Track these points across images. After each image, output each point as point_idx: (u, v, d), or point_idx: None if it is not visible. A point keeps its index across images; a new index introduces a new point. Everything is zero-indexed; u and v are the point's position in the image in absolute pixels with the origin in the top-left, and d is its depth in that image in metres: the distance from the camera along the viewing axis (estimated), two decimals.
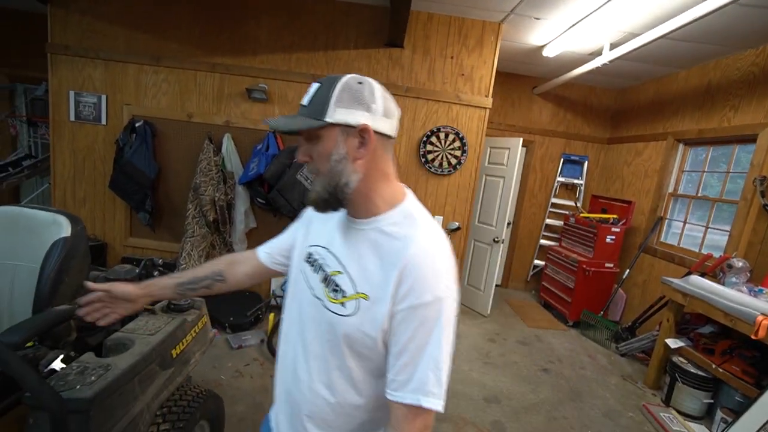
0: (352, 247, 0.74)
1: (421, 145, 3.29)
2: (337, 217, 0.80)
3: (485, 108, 3.30)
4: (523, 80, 4.60)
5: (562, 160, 4.76)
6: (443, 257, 0.68)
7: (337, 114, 0.66)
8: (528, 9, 2.86)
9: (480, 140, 3.34)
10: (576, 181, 4.74)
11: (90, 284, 0.97)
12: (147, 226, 3.34)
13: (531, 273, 5.00)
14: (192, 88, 3.27)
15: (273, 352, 2.80)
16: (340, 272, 0.73)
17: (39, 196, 4.50)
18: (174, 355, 1.56)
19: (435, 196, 3.41)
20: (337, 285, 0.73)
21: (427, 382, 0.64)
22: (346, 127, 0.67)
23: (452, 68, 3.25)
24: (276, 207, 2.99)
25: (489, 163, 4.07)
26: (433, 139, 3.28)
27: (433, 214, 3.41)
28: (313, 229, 0.85)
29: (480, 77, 3.27)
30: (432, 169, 3.33)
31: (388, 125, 0.70)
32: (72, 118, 3.34)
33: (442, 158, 3.31)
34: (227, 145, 3.16)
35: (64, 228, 1.37)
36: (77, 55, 3.25)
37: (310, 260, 0.81)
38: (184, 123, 3.27)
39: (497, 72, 3.30)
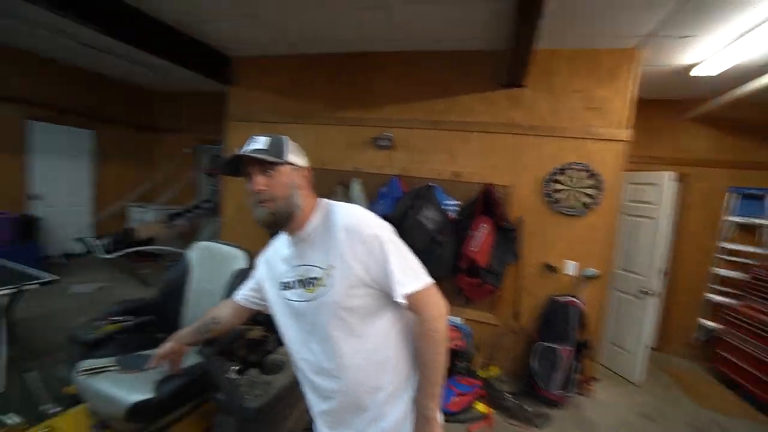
0: (303, 251, 0.99)
1: (546, 184, 3.11)
2: (281, 251, 1.07)
3: (622, 141, 2.98)
4: (668, 105, 4.03)
5: (733, 195, 3.90)
6: (362, 212, 0.98)
7: (290, 157, 0.99)
8: (671, 29, 2.56)
9: (618, 177, 3.00)
10: (759, 221, 3.76)
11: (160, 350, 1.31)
12: None
13: (699, 337, 4.03)
14: (326, 140, 3.76)
15: None
16: (307, 268, 0.97)
17: (213, 232, 5.59)
18: None
19: (567, 239, 3.11)
20: (309, 278, 0.96)
21: (412, 273, 0.93)
22: (296, 167, 1.00)
23: (580, 102, 3.07)
24: None
25: (632, 201, 3.56)
26: (561, 177, 3.07)
27: (565, 258, 3.11)
28: (273, 268, 1.09)
29: (614, 109, 3.00)
30: (562, 210, 3.09)
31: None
32: None
33: (572, 197, 3.05)
34: (355, 188, 3.50)
35: (241, 260, 1.69)
36: (243, 120, 4.10)
37: (286, 286, 1.02)
38: (320, 170, 3.75)
39: (635, 100, 2.99)
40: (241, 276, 1.64)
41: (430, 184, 3.22)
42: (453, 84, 3.37)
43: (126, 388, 1.34)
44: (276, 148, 0.98)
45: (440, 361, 0.93)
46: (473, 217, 3.09)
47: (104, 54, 4.32)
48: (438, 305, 0.94)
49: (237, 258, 1.69)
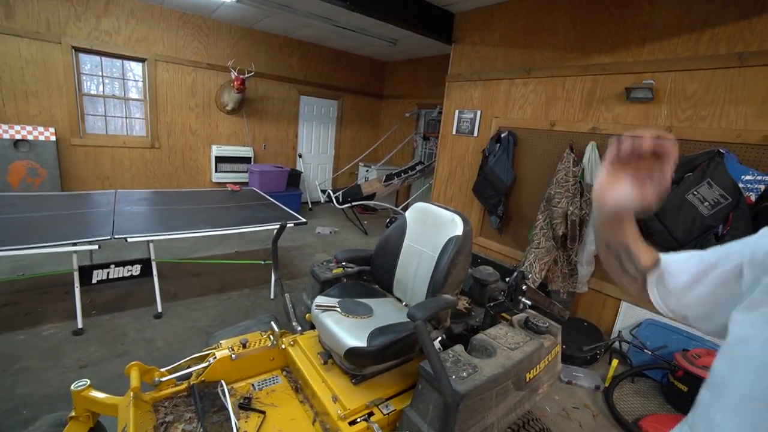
0: None
1: None
2: None
3: None
4: None
5: None
6: None
7: None
8: None
9: None
10: None
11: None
12: (495, 229, 3.59)
13: None
14: (558, 96, 3.15)
15: (611, 407, 2.27)
16: None
17: (422, 193, 5.90)
18: (527, 379, 1.44)
19: None
20: None
21: None
22: None
23: None
24: (648, 232, 2.36)
25: None
26: None
27: None
28: None
29: None
30: None
31: None
32: (454, 132, 4.07)
33: None
34: (590, 154, 2.82)
35: (458, 227, 1.53)
36: (465, 80, 3.90)
37: None
38: (546, 132, 3.21)
39: None
40: (456, 243, 1.50)
41: (719, 149, 2.23)
42: None
43: (345, 331, 1.44)
44: None
45: None
46: None
47: (349, 32, 4.93)
48: None
49: (454, 223, 1.55)
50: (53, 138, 4.28)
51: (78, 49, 4.45)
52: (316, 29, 5.16)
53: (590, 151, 2.82)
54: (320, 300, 1.64)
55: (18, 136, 4.05)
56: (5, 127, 4.04)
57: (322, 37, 5.67)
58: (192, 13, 4.95)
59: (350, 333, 1.42)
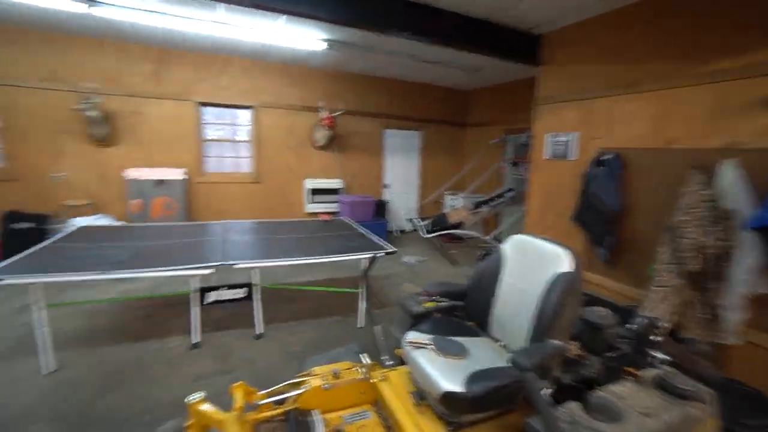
0: None
1: None
2: None
3: None
4: None
5: None
6: None
7: None
8: None
9: None
10: None
11: None
12: (604, 263, 3.17)
13: None
14: (673, 110, 2.74)
15: None
16: None
17: (513, 222, 5.56)
18: None
19: None
20: None
21: None
22: None
23: None
24: None
25: None
26: None
27: None
28: None
29: None
30: None
31: None
32: (546, 156, 3.79)
33: None
34: (727, 174, 2.35)
35: (566, 262, 1.36)
36: (556, 101, 3.66)
37: None
38: (660, 151, 2.80)
39: None
40: (566, 281, 1.32)
41: None
42: None
43: (440, 372, 1.34)
44: None
45: None
46: None
47: (429, 65, 5.05)
48: None
49: (559, 258, 1.38)
50: (183, 177, 5.07)
51: (201, 104, 5.31)
52: (399, 66, 5.39)
53: (727, 170, 2.36)
54: (412, 335, 1.58)
55: (159, 177, 4.90)
56: (152, 170, 4.93)
57: (404, 73, 5.90)
58: (291, 64, 5.58)
59: (445, 375, 1.32)
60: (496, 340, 1.65)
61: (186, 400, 1.53)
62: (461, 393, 1.26)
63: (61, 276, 2.31)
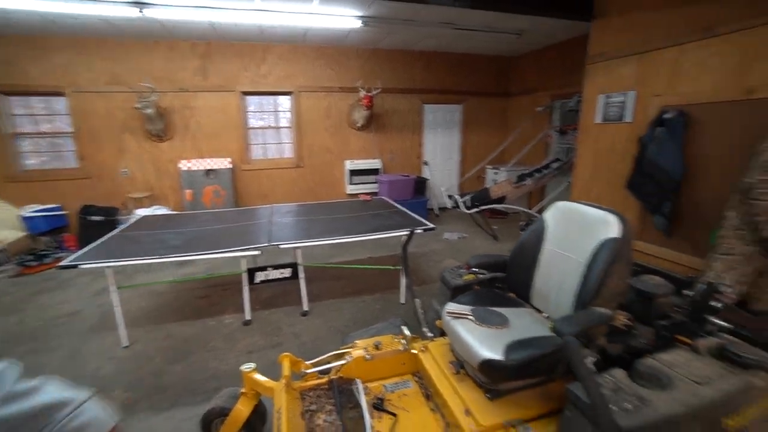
0: None
1: None
2: None
3: None
4: None
5: None
6: None
7: None
8: None
9: None
10: None
11: None
12: (661, 232, 2.92)
13: None
14: (757, 53, 2.39)
15: None
16: None
17: (559, 194, 5.28)
18: (728, 427, 1.09)
19: None
20: None
21: None
22: None
23: None
24: None
25: None
26: None
27: None
28: None
29: None
30: None
31: None
32: (598, 120, 3.51)
33: None
34: None
35: (613, 228, 1.27)
36: (611, 58, 3.34)
37: None
38: (738, 104, 2.48)
39: None
40: (613, 248, 1.24)
41: None
42: None
43: (479, 341, 1.33)
44: None
45: None
46: None
47: (470, 33, 4.80)
48: None
49: (608, 224, 1.29)
50: (229, 166, 5.34)
51: (244, 93, 5.49)
52: (436, 37, 5.19)
53: None
54: (451, 306, 1.57)
55: (208, 167, 5.19)
56: (202, 161, 5.24)
57: (442, 44, 5.67)
58: (326, 45, 5.57)
59: (484, 344, 1.31)
60: (539, 311, 1.60)
61: (240, 368, 1.66)
62: (501, 361, 1.25)
63: (127, 261, 2.57)
